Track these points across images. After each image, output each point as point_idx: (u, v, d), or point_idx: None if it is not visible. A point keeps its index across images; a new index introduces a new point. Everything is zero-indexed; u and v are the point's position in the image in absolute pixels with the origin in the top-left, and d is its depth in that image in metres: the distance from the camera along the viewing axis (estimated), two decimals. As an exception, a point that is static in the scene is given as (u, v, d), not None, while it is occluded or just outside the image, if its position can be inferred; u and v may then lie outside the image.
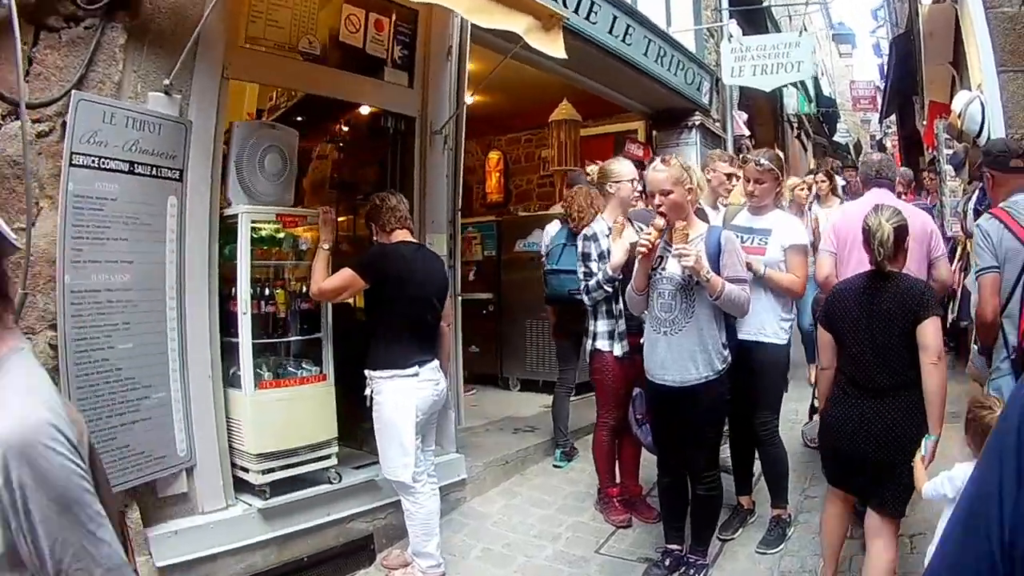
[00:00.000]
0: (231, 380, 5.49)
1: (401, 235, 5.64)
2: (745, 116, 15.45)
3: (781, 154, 6.31)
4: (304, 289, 5.74)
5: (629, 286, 5.22)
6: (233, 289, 5.45)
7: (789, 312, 5.85)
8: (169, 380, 4.97)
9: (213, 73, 5.23)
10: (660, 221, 4.88)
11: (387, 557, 5.98)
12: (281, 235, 5.81)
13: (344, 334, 6.06)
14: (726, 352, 5.07)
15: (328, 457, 5.83)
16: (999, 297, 4.71)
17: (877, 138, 39.78)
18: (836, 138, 32.29)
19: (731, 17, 14.48)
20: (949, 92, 11.97)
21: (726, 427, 5.78)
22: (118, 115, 4.56)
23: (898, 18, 22.25)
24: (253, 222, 5.52)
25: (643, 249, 4.87)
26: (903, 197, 9.96)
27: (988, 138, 6.88)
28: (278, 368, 5.75)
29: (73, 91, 4.37)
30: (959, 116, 7.36)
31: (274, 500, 5.48)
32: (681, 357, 4.96)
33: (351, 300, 6.12)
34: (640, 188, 6.18)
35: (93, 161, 4.44)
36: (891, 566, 4.45)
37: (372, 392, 5.45)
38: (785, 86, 18.04)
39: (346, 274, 5.42)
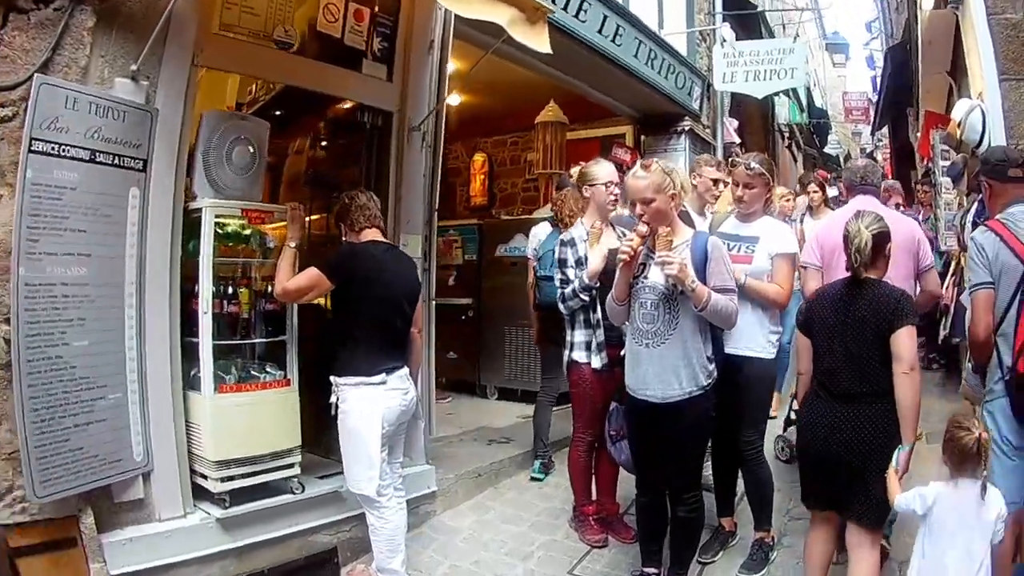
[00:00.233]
0: (191, 382, 5.36)
1: (371, 235, 5.50)
2: (736, 123, 15.39)
3: (771, 160, 6.20)
4: (269, 289, 5.58)
5: (609, 295, 5.05)
6: (196, 287, 5.32)
7: (777, 324, 5.70)
8: (126, 380, 4.85)
9: (183, 60, 5.10)
10: (643, 227, 4.73)
11: (351, 572, 5.85)
12: (247, 232, 5.66)
13: (314, 335, 5.97)
14: (712, 366, 4.91)
15: (291, 466, 5.71)
16: (993, 315, 4.60)
17: (868, 151, 39.90)
18: (827, 149, 32.33)
19: (724, 21, 14.39)
20: (946, 102, 11.96)
21: (709, 444, 5.64)
22: (81, 101, 4.44)
23: (893, 29, 22.37)
24: (217, 217, 5.40)
25: (624, 257, 4.72)
26: (900, 209, 9.88)
27: (989, 148, 6.75)
28: (240, 371, 5.60)
29: (36, 74, 4.26)
30: (959, 125, 7.23)
31: (234, 509, 5.34)
32: (664, 371, 4.79)
33: (321, 300, 5.93)
34: (616, 192, 5.99)
35: (53, 148, 4.32)
36: (873, 572, 4.50)
37: (337, 400, 5.29)
38: (777, 94, 18.04)
39: (312, 274, 5.25)
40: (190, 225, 5.31)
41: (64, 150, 4.37)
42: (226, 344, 5.50)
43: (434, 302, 7.25)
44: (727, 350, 5.28)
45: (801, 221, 9.52)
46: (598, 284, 5.68)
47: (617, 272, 4.88)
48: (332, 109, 7.36)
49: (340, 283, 5.28)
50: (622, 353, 5.24)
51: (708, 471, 5.97)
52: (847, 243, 4.53)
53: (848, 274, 4.62)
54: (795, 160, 27.08)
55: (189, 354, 5.32)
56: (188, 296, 5.30)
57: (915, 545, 4.23)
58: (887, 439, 4.35)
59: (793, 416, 6.94)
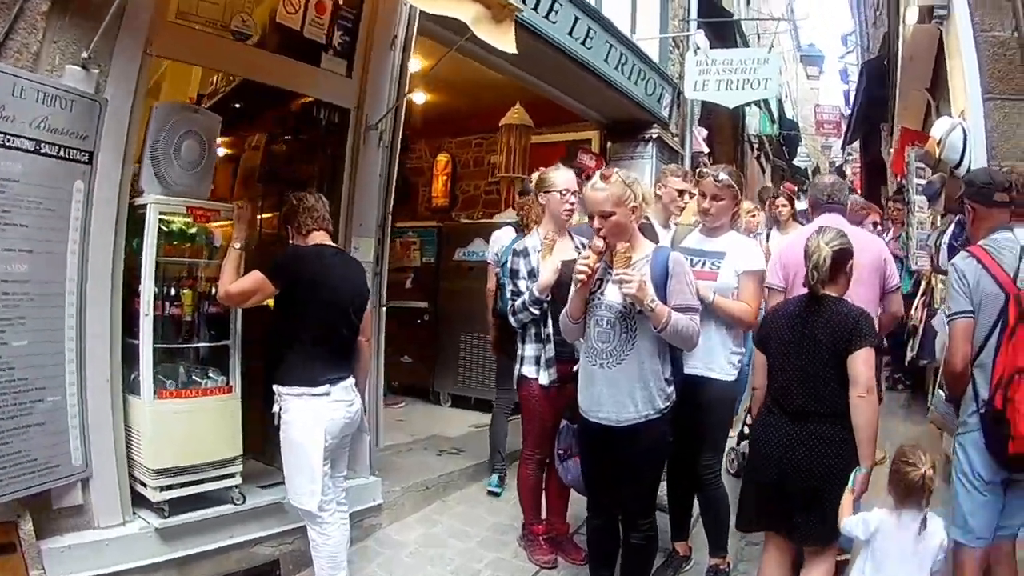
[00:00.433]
0: (132, 386, 5.25)
1: (319, 238, 5.36)
2: (705, 132, 15.42)
3: (740, 173, 6.14)
4: (214, 291, 5.46)
5: (563, 312, 4.90)
6: (139, 287, 5.20)
7: (740, 345, 5.59)
8: (65, 383, 4.75)
9: (136, 48, 4.96)
10: (599, 242, 4.57)
11: (293, 585, 5.70)
12: (193, 230, 5.54)
13: (262, 338, 5.86)
14: (670, 389, 4.75)
15: (232, 476, 5.62)
16: (971, 345, 4.49)
17: (837, 164, 40.15)
18: (796, 162, 32.54)
19: (699, 28, 14.40)
20: (923, 119, 12.00)
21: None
22: (28, 88, 4.32)
23: (870, 43, 22.57)
24: (162, 214, 5.29)
25: (581, 278, 4.57)
26: (876, 228, 9.88)
27: (969, 168, 6.76)
28: (181, 376, 5.51)
29: (-16, 60, 4.12)
30: (938, 143, 7.18)
31: (173, 519, 5.26)
32: (619, 393, 4.62)
33: (271, 301, 5.74)
34: (573, 200, 5.83)
35: (-3, 138, 4.20)
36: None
37: (280, 410, 5.16)
38: (749, 105, 18.10)
39: (255, 277, 5.10)
40: (135, 222, 5.19)
41: (8, 140, 4.26)
42: (167, 348, 5.41)
43: (384, 308, 7.14)
44: (686, 370, 5.11)
45: (767, 237, 9.42)
46: (549, 298, 5.58)
47: (572, 289, 4.75)
48: (290, 104, 7.19)
49: (284, 288, 5.13)
50: (575, 369, 5.11)
51: (663, 491, 5.83)
52: (806, 259, 4.52)
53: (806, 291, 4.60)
54: (763, 171, 27.26)
55: (131, 357, 5.21)
56: (131, 296, 5.19)
57: (854, 567, 4.39)
58: (843, 461, 4.36)
59: (746, 431, 7.01)
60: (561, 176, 5.93)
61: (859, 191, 24.72)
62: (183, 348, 5.57)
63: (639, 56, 11.88)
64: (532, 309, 5.64)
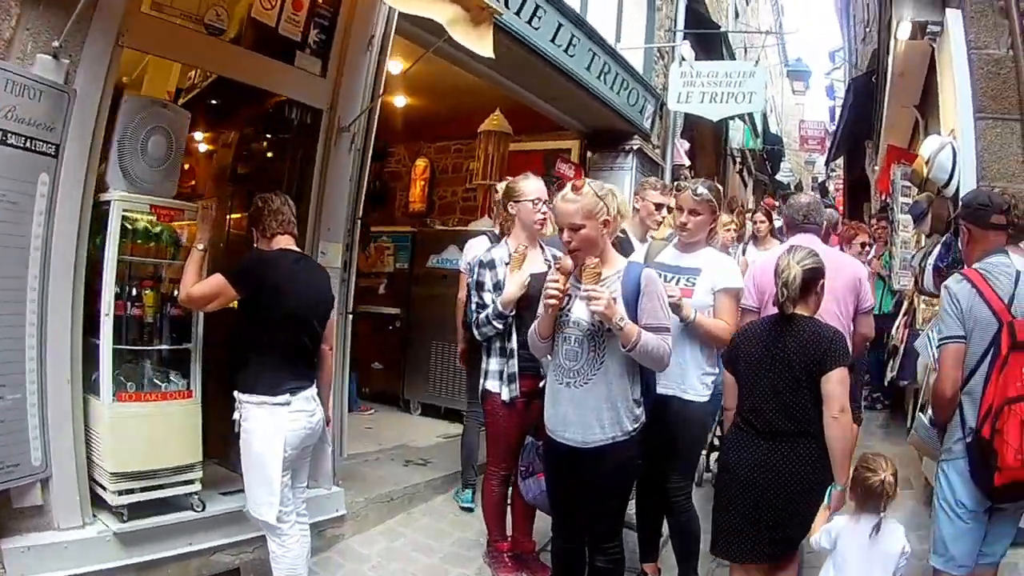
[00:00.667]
0: (93, 387, 5.17)
1: (283, 242, 5.25)
2: (687, 145, 15.38)
3: (720, 187, 6.04)
4: (177, 293, 5.37)
5: (532, 328, 4.75)
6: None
7: (713, 366, 5.43)
8: (26, 381, 4.69)
9: (107, 39, 4.88)
10: (568, 262, 4.46)
11: (252, 596, 5.62)
12: (157, 229, 5.45)
13: (225, 340, 5.70)
14: (639, 410, 4.59)
15: (191, 482, 5.55)
16: (962, 371, 4.41)
17: (820, 180, 40.28)
18: (779, 177, 32.68)
19: (685, 39, 14.35)
20: (910, 137, 11.97)
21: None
22: (-2, 76, 4.25)
23: (858, 60, 22.60)
24: (125, 211, 5.20)
25: (551, 302, 4.43)
26: (866, 248, 9.81)
27: (957, 189, 6.72)
28: (142, 379, 5.42)
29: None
30: (927, 162, 7.09)
31: (132, 523, 5.19)
32: (585, 414, 4.46)
33: (235, 303, 5.65)
34: (544, 210, 5.70)
35: (-36, 128, 4.13)
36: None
37: (240, 417, 5.05)
38: (733, 118, 18.07)
39: (217, 281, 5.01)
40: (99, 218, 5.11)
41: (-24, 130, 4.18)
42: (127, 349, 5.33)
43: (350, 316, 7.03)
44: (659, 390, 4.98)
45: (743, 251, 9.34)
46: (513, 312, 5.50)
47: (541, 308, 4.59)
48: (264, 103, 7.08)
49: (247, 293, 5.04)
50: (542, 384, 5.04)
51: (632, 509, 5.72)
52: (776, 277, 4.49)
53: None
54: (746, 186, 27.29)
55: (93, 357, 5.14)
56: (94, 295, 5.10)
57: (820, 573, 4.49)
58: (818, 478, 4.37)
59: (716, 442, 6.99)
60: (531, 185, 5.83)
61: (842, 208, 24.82)
62: (144, 350, 5.49)
63: (623, 65, 11.83)
64: (496, 323, 5.55)
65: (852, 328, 5.59)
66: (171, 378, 5.54)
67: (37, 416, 4.74)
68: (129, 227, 5.24)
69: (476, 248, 6.91)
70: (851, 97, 17.78)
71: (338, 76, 6.49)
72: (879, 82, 13.96)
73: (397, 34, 6.96)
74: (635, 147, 12.91)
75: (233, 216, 7.16)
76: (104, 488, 5.14)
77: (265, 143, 7.36)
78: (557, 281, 4.39)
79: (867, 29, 19.80)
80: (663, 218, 6.45)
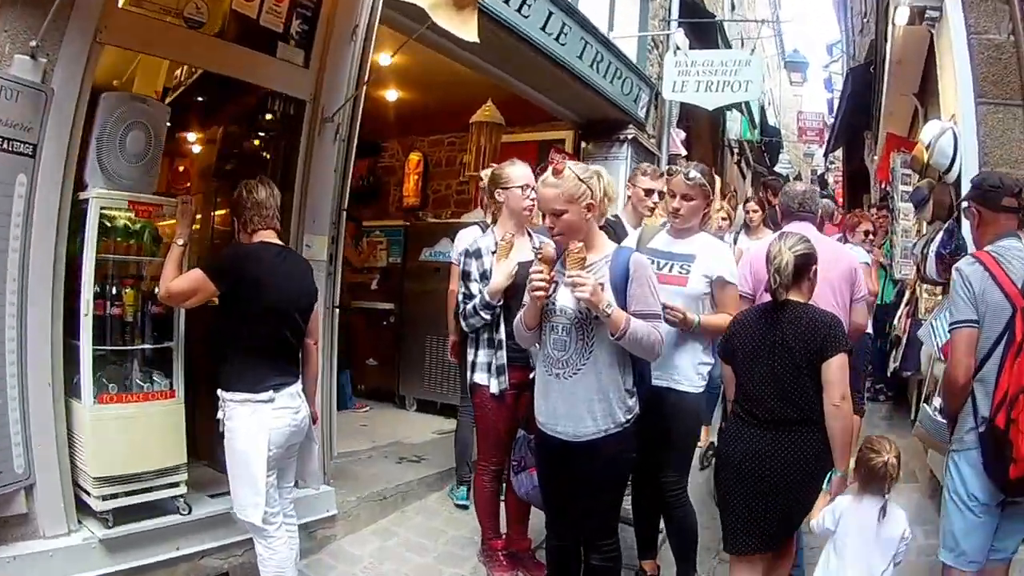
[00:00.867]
0: (74, 390, 5.07)
1: (264, 236, 5.11)
2: (683, 135, 15.29)
3: (712, 171, 5.90)
4: (157, 290, 5.20)
5: (518, 318, 4.59)
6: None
7: (709, 355, 5.31)
8: (6, 386, 4.61)
9: (85, 35, 4.79)
10: (550, 250, 4.29)
11: (242, 600, 5.52)
12: (137, 226, 5.35)
13: (208, 337, 5.67)
14: (632, 401, 4.43)
15: (176, 484, 5.44)
16: (975, 357, 4.26)
17: (819, 172, 40.28)
18: (777, 168, 32.59)
19: (679, 26, 14.25)
20: (909, 125, 11.88)
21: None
22: (-27, 79, 4.19)
23: (856, 51, 22.56)
24: (104, 209, 5.10)
25: (538, 295, 4.26)
26: (869, 237, 9.67)
27: (959, 175, 6.62)
28: (123, 380, 5.32)
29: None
30: (927, 148, 6.95)
31: (117, 529, 5.10)
32: (575, 406, 4.31)
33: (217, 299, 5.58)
34: (534, 196, 5.51)
35: (-60, 130, 4.06)
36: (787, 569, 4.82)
37: (223, 416, 4.91)
38: (730, 108, 18.05)
39: (195, 276, 4.85)
40: (78, 217, 5.02)
41: (-49, 131, 4.11)
42: (108, 350, 5.24)
43: (337, 310, 6.91)
44: (653, 381, 4.82)
45: (735, 240, 9.26)
46: (501, 303, 5.39)
47: (527, 298, 4.42)
48: (248, 96, 7.01)
49: (226, 288, 4.90)
50: (532, 376, 4.87)
51: (629, 504, 5.62)
52: (768, 263, 4.48)
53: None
54: (744, 177, 27.24)
55: (73, 359, 5.04)
56: (74, 296, 5.02)
57: (822, 554, 4.48)
58: (820, 466, 4.34)
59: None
60: (518, 171, 5.73)
61: (842, 200, 24.78)
62: (125, 350, 5.39)
63: (616, 54, 11.70)
64: (483, 314, 5.45)
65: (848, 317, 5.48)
66: (153, 378, 5.44)
67: (19, 422, 4.66)
68: (108, 225, 5.15)
69: (467, 238, 6.76)
70: (849, 87, 17.73)
71: (321, 66, 6.38)
72: (877, 71, 13.93)
73: (383, 23, 6.86)
74: (630, 136, 12.78)
75: (218, 212, 7.07)
76: (88, 493, 5.04)
77: (249, 136, 7.29)
78: (541, 272, 4.24)
79: (865, 20, 19.73)
80: (654, 204, 6.34)
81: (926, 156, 7.02)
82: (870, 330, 8.45)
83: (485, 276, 5.50)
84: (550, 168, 4.36)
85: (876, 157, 15.50)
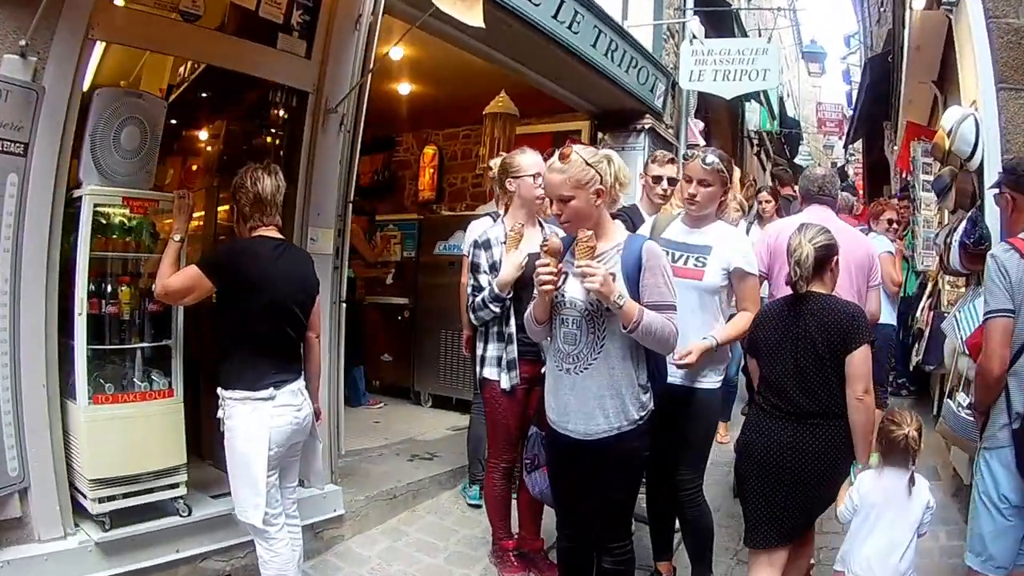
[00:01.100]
0: (70, 391, 4.98)
1: (263, 230, 4.96)
2: (701, 125, 15.13)
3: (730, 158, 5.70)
4: (154, 287, 5.10)
5: (528, 312, 4.39)
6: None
7: (726, 351, 5.11)
8: None
9: (76, 32, 4.72)
10: (556, 242, 4.05)
11: (245, 604, 5.40)
12: (134, 223, 5.25)
13: (209, 333, 5.68)
14: (646, 397, 4.23)
15: (176, 486, 5.36)
16: (1010, 348, 4.07)
17: (839, 164, 40.14)
18: (797, 160, 32.39)
19: (695, 14, 14.08)
20: (929, 113, 11.69)
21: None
22: (-38, 79, 4.13)
23: (874, 42, 22.36)
24: (99, 206, 5.00)
25: (546, 288, 4.05)
26: (893, 225, 9.45)
27: (981, 161, 6.38)
28: (120, 379, 5.21)
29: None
30: (948, 134, 6.71)
31: (114, 532, 5.01)
32: (586, 402, 4.11)
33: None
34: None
35: (-70, 131, 3.99)
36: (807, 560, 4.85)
37: (223, 415, 4.78)
38: (748, 99, 17.90)
39: (191, 273, 4.72)
40: (72, 215, 4.94)
41: (-60, 132, 4.04)
42: (103, 349, 5.15)
43: (343, 304, 6.77)
44: (668, 378, 4.60)
45: (747, 231, 9.06)
46: (511, 295, 5.24)
47: (536, 292, 4.21)
48: (250, 89, 6.89)
49: (222, 284, 4.76)
50: (543, 371, 4.71)
51: (643, 503, 5.50)
52: (788, 256, 4.41)
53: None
54: (764, 169, 27.11)
55: (68, 359, 4.97)
56: (70, 294, 4.92)
57: (849, 529, 4.44)
58: (843, 458, 4.33)
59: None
60: (529, 159, 5.59)
61: (862, 192, 24.63)
62: (121, 349, 5.28)
63: (631, 43, 11.46)
64: (492, 307, 5.31)
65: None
66: (151, 377, 5.33)
67: (12, 424, 4.60)
68: (103, 222, 5.08)
69: (478, 229, 6.64)
70: (868, 77, 17.56)
71: (324, 57, 6.26)
72: (896, 60, 13.79)
73: (388, 13, 6.71)
74: (647, 127, 12.58)
75: (221, 208, 6.97)
76: (85, 496, 4.97)
77: (252, 130, 7.19)
78: (547, 265, 4.02)
79: (882, 9, 19.55)
80: (664, 191, 6.17)
81: (947, 143, 6.78)
82: (894, 322, 8.28)
83: (495, 267, 5.38)
84: (557, 153, 4.15)
85: (896, 147, 15.28)
